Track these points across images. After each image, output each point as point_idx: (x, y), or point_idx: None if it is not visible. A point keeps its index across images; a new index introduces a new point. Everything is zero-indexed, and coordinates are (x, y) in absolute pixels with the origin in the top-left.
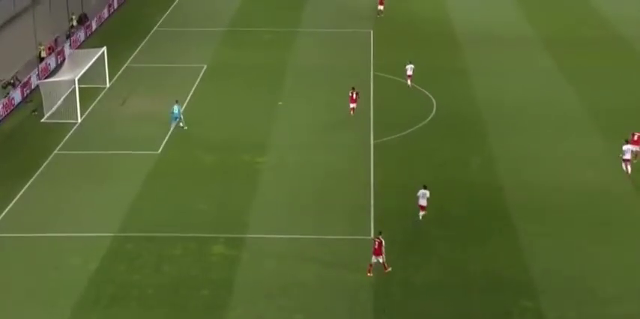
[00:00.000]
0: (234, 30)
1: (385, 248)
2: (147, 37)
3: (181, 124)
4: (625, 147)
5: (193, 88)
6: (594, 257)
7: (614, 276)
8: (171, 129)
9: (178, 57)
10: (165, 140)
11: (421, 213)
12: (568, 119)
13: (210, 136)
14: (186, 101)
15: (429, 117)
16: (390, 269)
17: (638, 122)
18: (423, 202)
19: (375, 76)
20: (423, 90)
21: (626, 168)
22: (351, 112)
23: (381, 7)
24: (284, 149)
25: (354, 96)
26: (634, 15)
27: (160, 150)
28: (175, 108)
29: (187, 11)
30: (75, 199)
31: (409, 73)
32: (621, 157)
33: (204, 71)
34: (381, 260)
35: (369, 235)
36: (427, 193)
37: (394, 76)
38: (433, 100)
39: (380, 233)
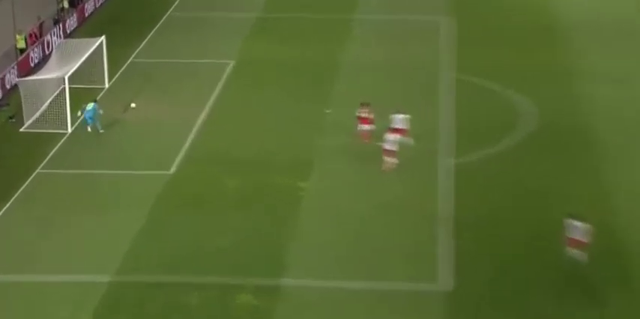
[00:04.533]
0: (269, 16)
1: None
2: (157, 25)
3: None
4: None
5: (216, 91)
6: None
7: None
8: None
9: (198, 50)
10: (180, 157)
11: (574, 251)
12: None
13: (237, 153)
14: (207, 107)
15: (526, 133)
16: None
17: None
18: (578, 235)
19: (451, 77)
20: (519, 96)
21: None
22: (365, 139)
23: None
24: (333, 170)
25: (367, 114)
26: None
27: (172, 170)
28: (91, 105)
29: None
30: (62, 233)
31: (399, 125)
32: None
33: (231, 69)
34: None
35: (436, 283)
36: (584, 227)
37: (478, 77)
38: (530, 111)
39: None
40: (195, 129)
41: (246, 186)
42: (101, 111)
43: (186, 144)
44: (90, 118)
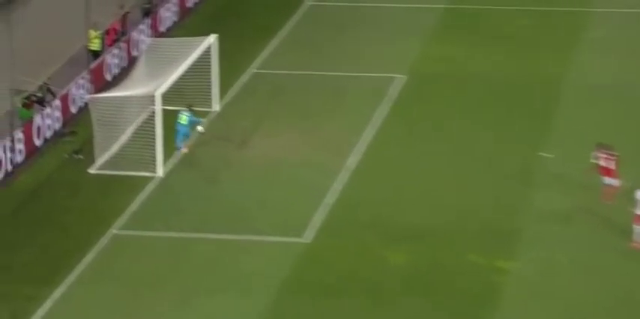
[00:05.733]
0: (459, 8)
1: None
2: (291, 19)
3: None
4: None
5: (376, 120)
6: None
7: None
8: (180, 151)
9: (350, 58)
10: (319, 218)
11: None
12: None
13: (404, 215)
14: (361, 144)
15: None
16: None
17: None
18: None
19: None
20: None
21: None
22: (606, 199)
23: None
24: (552, 246)
25: (608, 162)
26: None
27: (307, 238)
28: (185, 118)
29: None
30: None
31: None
32: None
33: (400, 87)
34: None
35: None
36: None
37: None
38: None
39: None
40: (342, 178)
41: (418, 266)
42: (200, 128)
43: (329, 200)
44: (185, 135)
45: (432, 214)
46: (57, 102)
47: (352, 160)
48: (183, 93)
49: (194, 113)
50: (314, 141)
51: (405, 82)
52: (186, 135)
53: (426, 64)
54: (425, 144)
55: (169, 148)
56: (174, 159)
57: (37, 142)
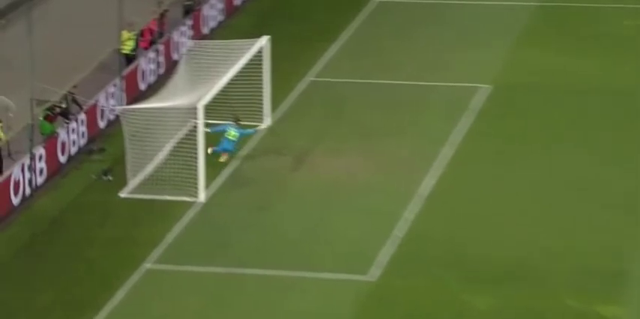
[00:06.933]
0: (554, 6)
1: None
2: (355, 19)
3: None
4: None
5: (455, 137)
6: None
7: None
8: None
9: (424, 65)
10: (387, 252)
11: None
12: None
13: (487, 250)
14: (437, 166)
15: None
16: None
17: None
18: None
19: None
20: None
21: None
22: None
23: None
24: None
25: None
26: None
27: (373, 275)
28: (234, 133)
29: None
30: None
31: None
32: None
33: (485, 99)
34: None
35: None
36: None
37: None
38: None
39: None
40: (413, 205)
41: (505, 311)
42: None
43: (399, 232)
44: (228, 150)
45: (521, 250)
46: (83, 115)
47: (426, 185)
48: (229, 104)
49: (242, 128)
50: (380, 162)
51: (489, 94)
52: (230, 151)
53: (514, 71)
54: (512, 166)
55: (213, 169)
56: (218, 182)
57: (61, 161)
